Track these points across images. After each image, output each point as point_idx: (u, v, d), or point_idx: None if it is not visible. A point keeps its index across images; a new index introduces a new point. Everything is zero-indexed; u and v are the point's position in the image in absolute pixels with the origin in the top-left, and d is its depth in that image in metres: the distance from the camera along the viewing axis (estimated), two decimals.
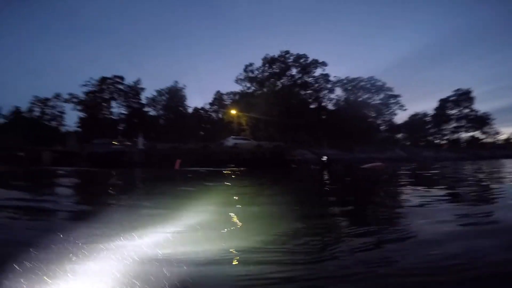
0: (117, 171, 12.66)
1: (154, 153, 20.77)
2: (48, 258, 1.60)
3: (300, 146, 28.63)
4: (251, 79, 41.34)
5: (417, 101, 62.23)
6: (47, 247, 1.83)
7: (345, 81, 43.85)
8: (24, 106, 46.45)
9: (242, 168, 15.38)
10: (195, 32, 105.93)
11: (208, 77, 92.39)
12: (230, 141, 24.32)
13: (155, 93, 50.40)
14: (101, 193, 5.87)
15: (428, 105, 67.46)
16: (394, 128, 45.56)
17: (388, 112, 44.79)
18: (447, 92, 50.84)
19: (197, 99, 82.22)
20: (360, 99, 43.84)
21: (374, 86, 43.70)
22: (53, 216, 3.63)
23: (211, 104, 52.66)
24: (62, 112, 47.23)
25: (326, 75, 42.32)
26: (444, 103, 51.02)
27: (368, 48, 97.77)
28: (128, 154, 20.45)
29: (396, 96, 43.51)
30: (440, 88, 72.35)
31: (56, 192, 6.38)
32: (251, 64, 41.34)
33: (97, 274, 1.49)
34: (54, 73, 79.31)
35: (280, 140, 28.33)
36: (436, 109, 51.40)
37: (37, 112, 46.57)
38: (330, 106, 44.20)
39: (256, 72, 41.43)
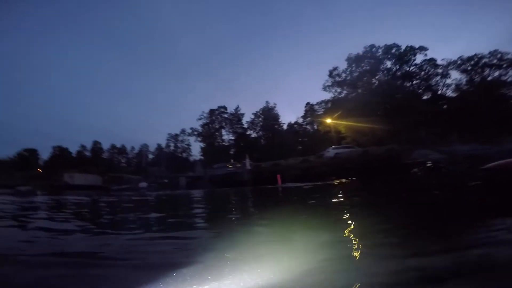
0: (233, 190, 14.65)
1: (259, 171, 22.77)
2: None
3: (420, 146, 23.91)
4: (339, 84, 39.05)
5: None
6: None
7: (459, 62, 34.85)
8: (161, 141, 62.63)
9: (347, 180, 14.34)
10: (276, 50, 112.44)
11: (297, 91, 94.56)
12: (331, 151, 23.39)
13: (252, 116, 56.18)
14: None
15: None
16: None
17: None
18: None
19: (290, 115, 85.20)
20: (489, 78, 33.18)
21: (504, 60, 32.33)
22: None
23: (303, 117, 53.16)
24: (189, 144, 60.17)
25: (432, 60, 35.44)
26: None
27: (474, 18, 73.35)
28: (239, 174, 23.38)
29: None
30: None
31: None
32: (335, 68, 39.25)
33: None
34: (173, 110, 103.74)
35: (391, 143, 24.73)
36: None
37: (171, 146, 61.35)
38: (450, 93, 35.56)
39: (344, 75, 38.93)
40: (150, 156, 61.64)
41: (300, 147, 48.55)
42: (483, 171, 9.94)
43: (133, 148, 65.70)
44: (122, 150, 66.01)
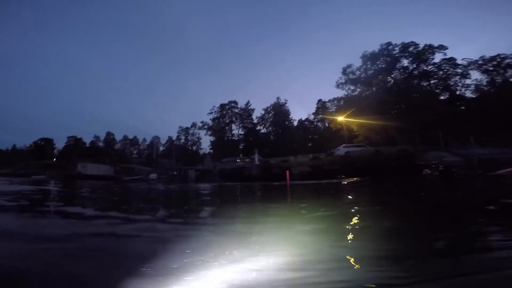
0: (241, 185, 14.70)
1: (268, 167, 22.73)
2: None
3: (435, 148, 23.17)
4: (353, 81, 38.23)
5: None
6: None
7: (480, 62, 33.61)
8: (172, 134, 63.67)
9: (357, 179, 14.08)
10: (289, 46, 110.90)
11: (308, 87, 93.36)
12: (342, 150, 23.03)
13: (263, 112, 56.04)
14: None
15: None
16: None
17: None
18: None
19: (300, 111, 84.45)
20: (511, 79, 31.83)
21: None
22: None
23: (314, 114, 52.54)
24: (199, 138, 60.86)
25: (451, 59, 34.34)
26: None
27: (495, 19, 69.63)
28: (248, 169, 23.44)
29: None
30: None
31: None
32: (349, 66, 38.44)
33: None
34: (185, 104, 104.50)
35: (404, 143, 24.09)
36: None
37: (182, 139, 62.23)
38: (469, 94, 34.31)
39: (358, 72, 38.07)
40: (161, 148, 62.81)
41: (310, 144, 48.15)
42: (495, 177, 9.61)
43: (144, 140, 67.19)
44: (134, 142, 67.59)
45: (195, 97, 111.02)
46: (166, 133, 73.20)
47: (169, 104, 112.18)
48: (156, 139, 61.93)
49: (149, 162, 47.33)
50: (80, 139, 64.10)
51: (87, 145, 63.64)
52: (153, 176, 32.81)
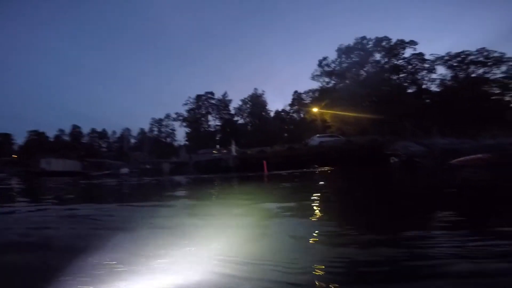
0: (218, 177, 14.54)
1: (245, 158, 22.72)
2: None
3: (402, 138, 24.70)
4: (328, 73, 39.26)
5: None
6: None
7: (446, 58, 35.92)
8: (144, 126, 60.93)
9: (329, 168, 14.59)
10: (266, 37, 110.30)
11: (285, 79, 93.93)
12: (315, 139, 23.70)
13: (240, 103, 55.50)
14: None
15: None
16: None
17: None
18: None
19: (277, 102, 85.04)
20: (473, 75, 34.51)
21: (490, 58, 33.64)
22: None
23: (290, 105, 53.24)
24: (173, 129, 58.86)
25: (420, 54, 36.40)
26: None
27: (464, 17, 75.69)
28: (225, 160, 23.23)
29: None
30: None
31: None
32: (325, 58, 39.36)
33: None
34: (160, 95, 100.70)
35: (375, 133, 25.36)
36: None
37: (155, 131, 59.82)
38: (434, 88, 36.77)
39: (333, 65, 39.12)
40: (133, 140, 59.85)
41: (286, 134, 48.89)
42: (449, 165, 10.43)
43: (114, 132, 63.40)
44: (103, 135, 63.54)
45: (169, 88, 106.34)
46: (138, 125, 69.53)
47: (141, 95, 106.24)
48: (126, 131, 58.56)
49: (120, 155, 44.93)
50: (43, 133, 58.89)
51: (51, 140, 58.72)
52: (125, 170, 31.23)
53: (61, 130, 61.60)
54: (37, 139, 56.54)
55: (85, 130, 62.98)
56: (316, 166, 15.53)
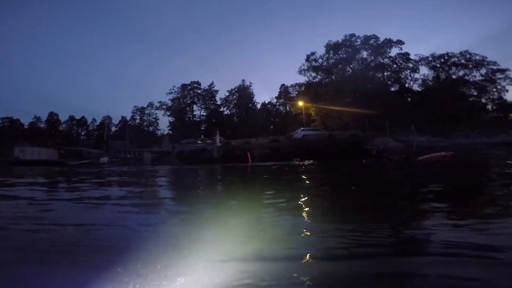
0: (202, 167, 14.43)
1: (230, 149, 22.60)
2: None
3: (382, 134, 25.62)
4: (315, 68, 39.57)
5: None
6: None
7: (430, 59, 37.39)
8: (126, 114, 58.94)
9: (311, 161, 14.90)
10: (256, 30, 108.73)
11: (273, 71, 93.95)
12: (299, 133, 23.95)
13: (227, 94, 54.79)
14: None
15: None
16: (506, 107, 34.96)
17: (495, 90, 35.14)
18: None
19: (264, 94, 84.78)
20: (454, 76, 36.12)
21: (471, 61, 35.34)
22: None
23: (277, 98, 53.33)
24: (156, 118, 57.34)
25: (405, 54, 37.44)
26: None
27: (452, 20, 78.86)
28: (209, 151, 23.01)
29: (503, 71, 33.81)
30: None
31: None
32: (313, 53, 39.60)
33: None
34: (143, 84, 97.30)
35: (357, 129, 26.07)
36: None
37: (137, 119, 58.02)
38: (416, 87, 38.12)
39: (320, 60, 39.45)
40: (113, 129, 57.73)
41: (272, 126, 49.13)
42: (417, 161, 11.21)
43: (94, 120, 60.77)
44: (82, 122, 60.74)
45: (154, 77, 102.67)
46: (119, 114, 66.83)
47: (123, 83, 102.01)
48: (107, 119, 56.21)
49: (99, 144, 43.24)
50: (17, 120, 55.39)
51: (26, 127, 55.39)
52: (104, 159, 30.26)
53: (37, 117, 58.26)
54: (9, 126, 53.20)
55: (63, 117, 59.97)
56: (298, 159, 15.79)
